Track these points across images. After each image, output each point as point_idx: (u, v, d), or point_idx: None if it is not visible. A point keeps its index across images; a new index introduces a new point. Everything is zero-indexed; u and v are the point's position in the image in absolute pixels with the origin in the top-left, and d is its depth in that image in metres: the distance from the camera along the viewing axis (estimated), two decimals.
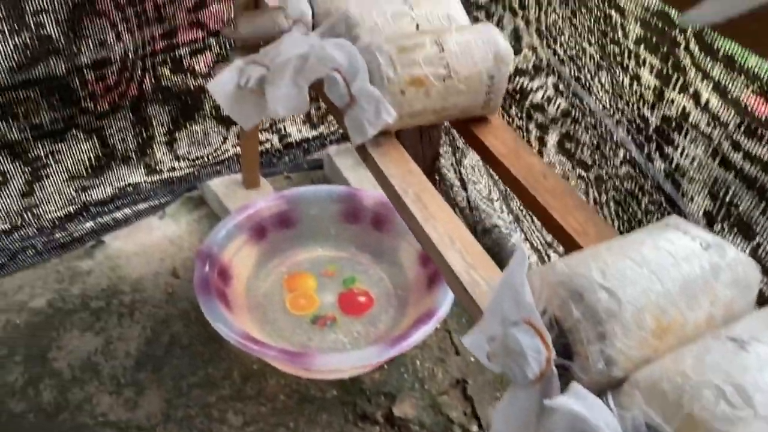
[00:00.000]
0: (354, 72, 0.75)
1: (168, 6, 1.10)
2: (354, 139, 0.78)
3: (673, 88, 0.85)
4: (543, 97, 1.13)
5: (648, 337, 0.47)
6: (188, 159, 1.30)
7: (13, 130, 1.05)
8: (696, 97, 0.81)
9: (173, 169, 1.29)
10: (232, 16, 1.19)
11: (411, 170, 0.75)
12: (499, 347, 0.48)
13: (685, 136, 0.85)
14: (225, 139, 1.33)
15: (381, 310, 1.14)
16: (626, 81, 0.96)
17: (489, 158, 0.82)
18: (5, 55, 0.97)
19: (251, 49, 0.87)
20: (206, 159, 1.33)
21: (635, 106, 0.95)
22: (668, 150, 0.90)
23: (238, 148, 1.35)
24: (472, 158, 1.38)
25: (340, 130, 1.47)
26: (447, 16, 0.86)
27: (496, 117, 0.85)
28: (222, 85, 0.81)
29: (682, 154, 0.86)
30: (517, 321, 0.47)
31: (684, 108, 0.83)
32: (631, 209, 1.00)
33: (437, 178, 1.50)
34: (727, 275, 0.51)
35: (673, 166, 0.90)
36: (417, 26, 0.85)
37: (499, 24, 1.21)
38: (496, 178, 1.23)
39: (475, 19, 1.26)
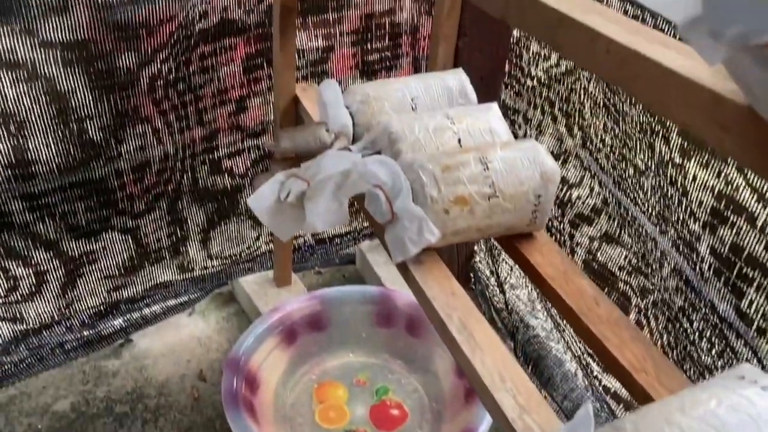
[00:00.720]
0: (397, 190, 0.73)
1: (210, 111, 1.12)
2: (395, 257, 0.75)
3: (726, 207, 0.82)
4: (584, 203, 1.11)
5: None
6: (221, 257, 1.29)
7: (50, 231, 1.05)
8: (751, 219, 0.78)
9: (206, 267, 1.28)
10: (272, 121, 1.20)
11: (455, 292, 0.72)
12: None
13: (740, 258, 0.81)
14: (258, 236, 1.32)
15: (415, 425, 1.08)
16: (672, 191, 0.93)
17: (535, 278, 0.78)
18: (48, 158, 0.98)
19: (292, 161, 0.86)
20: (239, 256, 1.32)
21: (683, 219, 0.92)
22: (720, 267, 0.85)
23: (271, 245, 1.34)
24: (509, 258, 1.35)
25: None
26: (489, 130, 0.85)
27: (541, 233, 0.82)
28: (262, 200, 0.80)
29: (738, 275, 0.81)
30: None
31: (740, 228, 0.80)
32: (680, 326, 0.94)
33: (472, 277, 1.46)
34: None
35: (724, 282, 0.85)
36: (459, 141, 0.84)
37: (539, 128, 1.20)
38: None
39: (512, 123, 1.26)
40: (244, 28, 1.09)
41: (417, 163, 0.75)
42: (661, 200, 0.95)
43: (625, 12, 0.78)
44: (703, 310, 0.90)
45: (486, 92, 1.21)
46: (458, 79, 0.95)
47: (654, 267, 1.00)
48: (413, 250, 0.73)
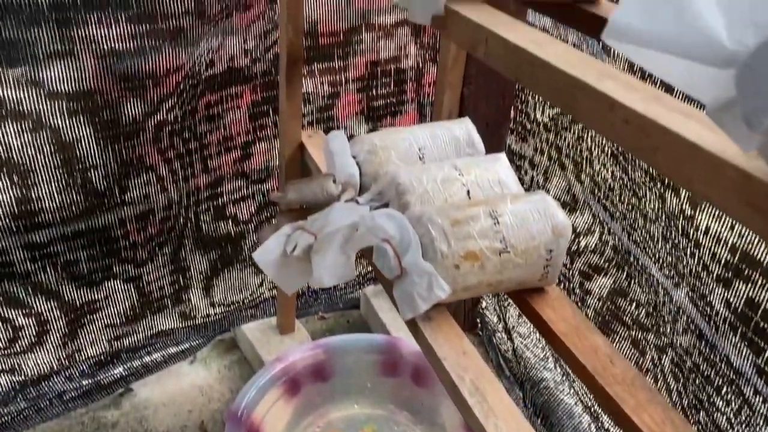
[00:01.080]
0: (406, 245, 0.72)
1: (215, 158, 1.11)
2: (404, 313, 0.74)
3: (740, 260, 0.80)
4: (593, 251, 1.09)
5: None
6: (224, 304, 1.27)
7: (53, 280, 1.04)
8: (767, 273, 0.76)
9: (208, 315, 1.26)
10: (277, 167, 1.20)
11: (466, 351, 0.70)
12: None
13: (757, 313, 0.79)
14: (261, 282, 1.30)
15: None
16: (684, 242, 0.91)
17: (547, 333, 0.76)
18: (51, 208, 0.97)
19: (298, 212, 0.85)
20: (241, 303, 1.30)
21: (696, 271, 0.90)
22: (736, 322, 0.83)
23: (274, 291, 1.32)
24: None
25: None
26: (498, 181, 0.84)
27: (552, 287, 0.81)
28: (268, 253, 0.79)
29: (755, 330, 0.80)
30: None
31: (756, 282, 0.78)
32: (695, 380, 0.92)
33: (478, 322, 1.44)
34: None
35: (741, 337, 0.83)
36: (468, 192, 0.83)
37: (546, 175, 1.19)
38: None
39: (518, 169, 1.26)
40: (251, 76, 1.09)
41: (426, 216, 0.74)
42: (673, 251, 0.94)
43: (642, 77, 0.78)
44: (719, 365, 0.87)
45: (491, 138, 1.21)
46: (465, 128, 0.95)
47: (667, 319, 0.98)
48: (423, 306, 0.71)
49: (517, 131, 1.24)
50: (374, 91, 1.25)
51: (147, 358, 1.25)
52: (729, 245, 0.81)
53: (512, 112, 1.24)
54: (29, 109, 0.89)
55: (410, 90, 1.28)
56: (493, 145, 1.02)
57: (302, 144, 1.11)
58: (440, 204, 0.81)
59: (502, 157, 0.88)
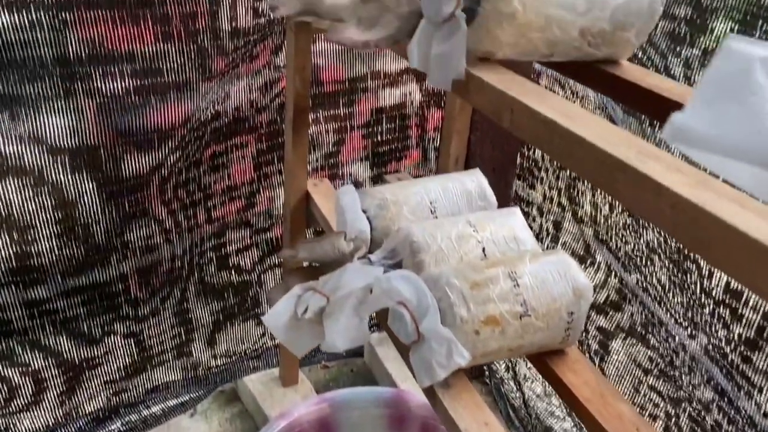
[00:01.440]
0: (423, 309, 0.70)
1: (219, 208, 1.09)
2: (421, 381, 0.71)
3: (764, 318, 0.79)
4: (606, 302, 1.07)
5: None
6: (225, 355, 1.24)
7: (51, 337, 1.00)
8: None
9: (209, 367, 1.22)
10: (281, 216, 1.17)
11: (488, 422, 0.67)
12: None
13: None
14: (264, 333, 1.27)
15: None
16: (702, 296, 0.89)
17: (568, 398, 0.74)
18: (51, 263, 0.94)
19: (308, 271, 0.83)
20: (244, 353, 1.26)
21: (713, 324, 0.88)
22: (755, 378, 0.81)
23: (278, 340, 1.28)
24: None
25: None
26: (514, 237, 0.82)
27: (572, 348, 0.78)
28: (278, 317, 0.76)
29: None
30: None
31: None
32: None
33: (485, 370, 1.41)
34: None
35: (759, 391, 0.81)
36: (483, 250, 0.81)
37: (554, 222, 1.18)
38: None
39: (526, 216, 1.24)
40: (256, 126, 1.08)
41: (444, 279, 0.71)
42: (689, 303, 0.92)
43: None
44: (740, 421, 0.85)
45: (499, 184, 1.20)
46: (476, 180, 0.93)
47: (683, 371, 0.96)
48: (442, 374, 0.69)
49: (524, 177, 1.23)
50: (379, 137, 1.24)
51: (146, 412, 1.21)
52: (750, 304, 0.79)
53: (519, 158, 1.23)
54: (31, 164, 0.87)
55: (414, 135, 1.27)
56: (500, 190, 1.00)
57: (308, 193, 1.10)
58: (455, 263, 0.79)
59: (516, 211, 0.87)
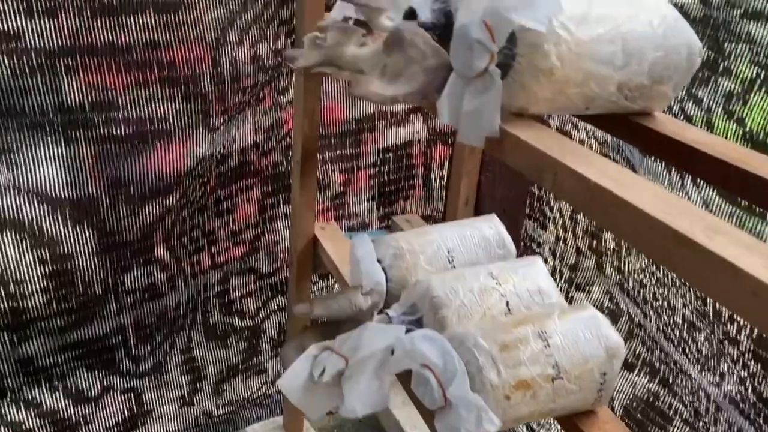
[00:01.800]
0: (450, 374, 0.66)
1: (222, 254, 1.05)
2: None
3: None
4: (629, 354, 1.04)
5: None
6: (228, 404, 1.18)
7: (45, 395, 0.95)
8: None
9: (211, 416, 1.17)
10: (287, 261, 1.13)
11: None
12: None
13: None
14: (266, 381, 1.22)
15: None
16: (725, 343, 0.86)
17: None
18: (46, 317, 0.90)
19: (323, 328, 0.79)
20: (246, 401, 1.21)
21: (736, 371, 0.85)
22: None
23: None
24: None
25: None
26: (538, 290, 0.79)
27: (603, 408, 0.74)
28: (293, 379, 0.72)
29: None
30: None
31: None
32: None
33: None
34: None
35: None
36: (507, 304, 0.77)
37: (566, 263, 1.15)
38: None
39: (530, 251, 1.21)
40: (261, 168, 1.04)
41: (471, 341, 0.68)
42: (713, 350, 0.88)
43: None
44: None
45: (509, 225, 1.17)
46: (494, 227, 0.90)
47: (707, 421, 0.92)
48: None
49: (535, 217, 1.20)
50: (385, 176, 1.21)
51: None
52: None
53: (529, 197, 1.21)
54: (28, 217, 0.83)
55: (422, 173, 1.24)
56: (510, 230, 0.97)
57: (315, 236, 1.06)
58: (479, 318, 0.75)
59: (538, 260, 0.83)
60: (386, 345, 0.70)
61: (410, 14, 0.63)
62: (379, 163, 1.18)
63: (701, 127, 0.83)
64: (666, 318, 0.95)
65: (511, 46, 0.54)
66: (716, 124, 0.83)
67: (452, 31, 0.62)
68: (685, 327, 0.92)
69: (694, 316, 0.90)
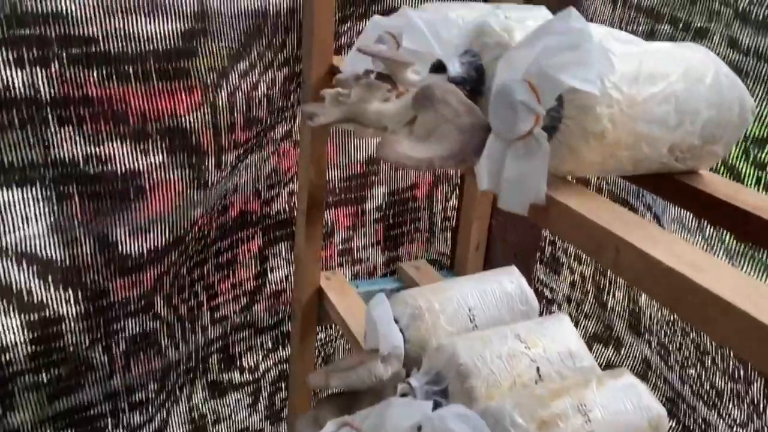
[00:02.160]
0: None
1: (222, 307, 0.99)
2: None
3: None
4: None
5: None
6: None
7: None
8: None
9: None
10: (289, 313, 1.08)
11: None
12: None
13: None
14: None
15: None
16: (750, 394, 0.82)
17: None
18: (35, 387, 0.83)
19: (339, 400, 0.73)
20: None
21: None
22: None
23: None
24: None
25: None
26: (569, 353, 0.74)
27: None
28: None
29: None
30: None
31: None
32: None
33: None
34: None
35: None
36: (538, 369, 0.72)
37: (580, 309, 1.10)
38: None
39: (550, 302, 1.16)
40: (263, 218, 0.99)
41: (507, 418, 0.62)
42: (739, 403, 0.84)
43: None
44: None
45: (521, 269, 1.12)
46: (515, 281, 0.86)
47: None
48: None
49: (548, 262, 1.16)
50: (391, 220, 1.16)
51: None
52: None
53: (542, 241, 1.16)
54: (15, 279, 0.76)
55: (429, 217, 1.20)
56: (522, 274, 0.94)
57: (320, 288, 1.00)
58: (508, 386, 0.70)
59: (565, 318, 0.79)
60: (412, 424, 0.64)
61: (438, 68, 0.59)
62: (384, 207, 1.14)
63: (751, 186, 0.79)
64: (687, 366, 0.91)
65: (557, 107, 0.49)
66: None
67: (483, 86, 0.58)
68: (701, 370, 0.88)
69: (725, 372, 0.86)
